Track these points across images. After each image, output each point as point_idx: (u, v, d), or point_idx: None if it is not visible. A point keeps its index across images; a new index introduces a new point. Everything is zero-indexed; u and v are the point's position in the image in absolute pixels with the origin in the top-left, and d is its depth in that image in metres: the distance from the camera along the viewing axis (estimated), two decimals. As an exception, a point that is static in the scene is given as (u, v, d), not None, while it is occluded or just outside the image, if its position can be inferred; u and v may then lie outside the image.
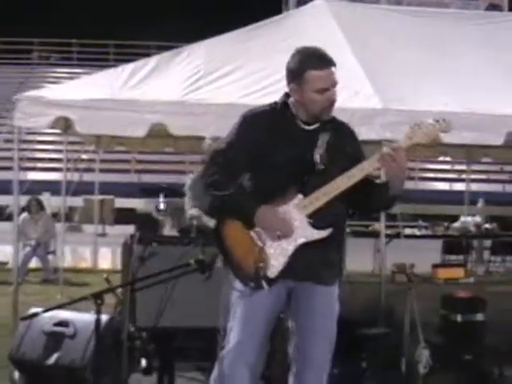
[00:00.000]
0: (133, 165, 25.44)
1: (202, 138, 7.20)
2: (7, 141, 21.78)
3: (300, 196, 3.90)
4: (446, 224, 13.65)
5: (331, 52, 4.02)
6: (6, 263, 12.96)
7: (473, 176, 17.54)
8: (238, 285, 3.98)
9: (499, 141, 7.35)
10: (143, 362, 6.06)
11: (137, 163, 25.35)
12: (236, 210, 3.94)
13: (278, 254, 3.89)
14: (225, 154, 4.00)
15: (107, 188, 16.40)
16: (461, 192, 16.17)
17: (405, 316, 6.50)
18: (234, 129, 4.05)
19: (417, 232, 13.40)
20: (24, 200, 12.54)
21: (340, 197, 3.91)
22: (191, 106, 7.47)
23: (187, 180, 7.50)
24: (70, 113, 7.58)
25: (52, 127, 8.26)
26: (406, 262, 12.20)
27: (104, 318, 5.22)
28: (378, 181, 4.05)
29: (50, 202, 15.90)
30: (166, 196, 7.25)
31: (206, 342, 5.33)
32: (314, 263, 3.95)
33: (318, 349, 4.08)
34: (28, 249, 12.78)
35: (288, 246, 3.90)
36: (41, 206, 13.38)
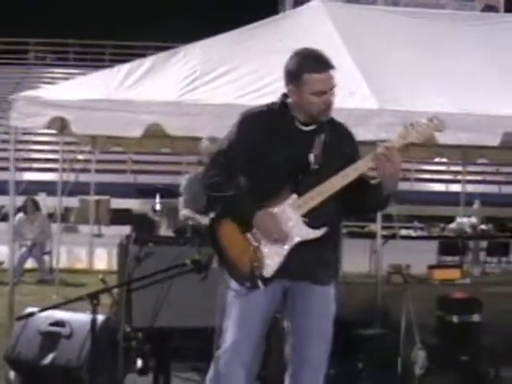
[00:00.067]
0: (129, 165, 25.42)
1: (198, 139, 7.20)
2: (3, 141, 21.75)
3: (294, 196, 3.90)
4: (441, 225, 13.69)
5: (327, 53, 4.02)
6: (1, 263, 12.95)
7: (469, 177, 17.55)
8: (233, 284, 3.98)
9: (495, 141, 7.35)
10: (139, 363, 6.05)
11: (133, 164, 25.33)
12: (236, 212, 3.95)
13: (273, 254, 3.90)
14: (225, 154, 4.01)
15: (103, 188, 16.40)
16: (457, 193, 16.17)
17: (401, 317, 6.50)
18: (233, 129, 4.05)
19: (413, 233, 13.44)
20: (20, 200, 12.53)
21: (335, 197, 3.91)
22: (187, 106, 7.47)
23: (182, 181, 7.51)
24: (66, 113, 7.57)
25: (48, 127, 8.25)
26: (401, 262, 12.21)
27: (100, 318, 5.23)
28: (372, 181, 4.05)
29: (46, 202, 15.88)
30: (162, 197, 7.26)
31: (201, 342, 5.32)
32: (309, 262, 3.96)
33: (314, 349, 4.08)
34: (24, 249, 12.77)
35: (283, 246, 3.90)
36: (37, 207, 13.37)
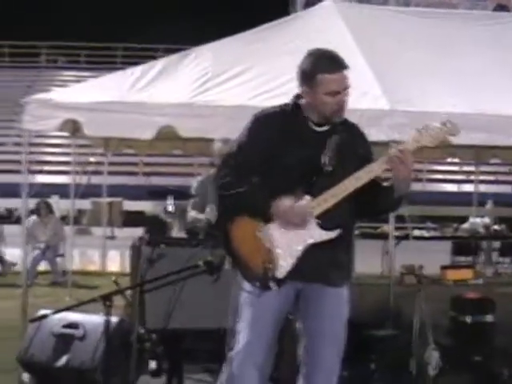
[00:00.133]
0: (141, 167, 25.50)
1: (210, 140, 7.20)
2: (16, 144, 21.82)
3: (308, 197, 3.89)
4: (454, 225, 13.62)
5: (340, 53, 4.01)
6: (14, 265, 13.02)
7: (481, 177, 17.48)
8: (246, 286, 3.97)
9: (508, 141, 7.34)
10: (152, 364, 6.06)
11: (145, 166, 25.41)
12: (251, 205, 3.92)
13: (286, 255, 3.89)
14: (237, 156, 4.00)
15: (115, 191, 16.45)
16: (469, 193, 16.12)
17: (414, 317, 6.49)
18: (246, 130, 4.04)
19: (425, 233, 13.38)
20: (33, 203, 12.56)
21: (348, 199, 3.90)
22: (199, 108, 7.48)
23: (194, 183, 7.51)
24: (78, 115, 7.60)
25: (60, 130, 8.28)
26: (414, 263, 12.15)
27: (113, 319, 5.23)
28: (384, 183, 4.04)
29: (59, 204, 15.96)
30: (174, 198, 7.25)
31: (214, 343, 5.34)
32: (322, 264, 3.94)
33: (327, 351, 4.07)
34: (37, 252, 12.80)
35: (297, 247, 3.89)
36: (49, 209, 13.41)
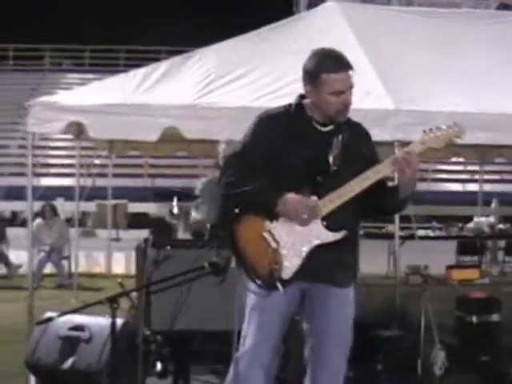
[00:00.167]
0: (146, 169, 25.52)
1: (215, 142, 7.20)
2: (21, 147, 21.87)
3: (314, 198, 3.88)
4: (459, 225, 13.59)
5: (343, 53, 4.01)
6: (19, 266, 13.05)
7: (486, 176, 17.48)
8: (252, 286, 3.97)
9: (513, 140, 7.34)
10: (158, 366, 6.06)
11: (150, 167, 25.43)
12: (258, 202, 3.91)
13: (292, 256, 3.88)
14: (241, 156, 4.00)
15: (120, 193, 16.45)
16: (474, 193, 16.12)
17: (420, 318, 6.48)
18: (250, 130, 4.04)
19: (431, 233, 13.36)
20: (38, 206, 12.59)
21: (353, 200, 3.90)
22: (203, 109, 7.49)
23: (198, 184, 7.51)
24: (83, 118, 7.61)
25: (65, 132, 8.29)
26: (420, 263, 12.15)
27: (119, 321, 5.23)
28: (389, 184, 4.04)
29: (64, 207, 15.97)
30: (179, 200, 7.25)
31: (220, 345, 5.32)
32: (328, 265, 3.94)
33: (333, 351, 4.07)
34: (42, 254, 12.81)
35: (302, 248, 3.89)
36: (54, 212, 13.41)
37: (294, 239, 3.89)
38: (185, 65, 8.37)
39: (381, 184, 3.95)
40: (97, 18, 37.48)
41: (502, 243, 15.32)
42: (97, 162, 14.46)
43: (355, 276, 4.23)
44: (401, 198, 3.97)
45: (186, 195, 7.42)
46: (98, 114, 7.55)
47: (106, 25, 35.58)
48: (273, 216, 3.89)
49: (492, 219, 14.05)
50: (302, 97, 4.04)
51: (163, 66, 8.41)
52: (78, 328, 5.72)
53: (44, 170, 23.47)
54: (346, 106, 3.95)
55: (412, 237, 11.47)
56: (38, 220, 12.93)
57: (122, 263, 14.13)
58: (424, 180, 22.94)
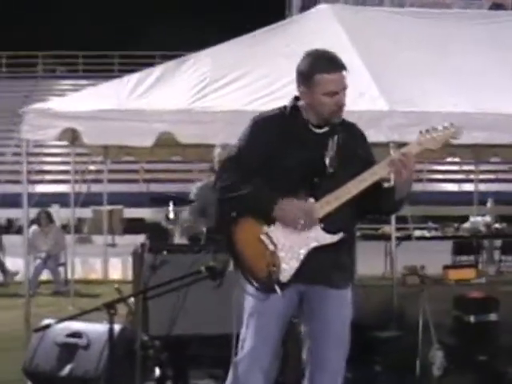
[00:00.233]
0: (141, 174, 25.50)
1: (210, 146, 7.20)
2: (15, 154, 21.85)
3: (312, 200, 3.88)
4: (455, 225, 13.61)
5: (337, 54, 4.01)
6: (16, 274, 13.03)
7: (481, 176, 17.50)
8: (250, 289, 3.96)
9: (510, 140, 7.36)
10: (157, 371, 6.05)
11: (145, 173, 25.41)
12: (255, 205, 3.89)
13: (289, 258, 3.88)
14: (236, 160, 3.99)
15: (116, 198, 16.43)
16: (470, 192, 16.13)
17: (417, 318, 6.48)
18: (245, 133, 4.03)
19: (427, 234, 13.36)
20: (33, 213, 12.57)
21: (349, 201, 3.89)
22: (198, 114, 7.49)
23: (193, 188, 7.51)
24: (77, 124, 7.60)
25: (59, 139, 8.28)
26: (416, 264, 12.18)
27: (117, 327, 5.21)
28: (386, 185, 4.04)
29: (59, 214, 15.96)
30: (175, 205, 7.25)
31: (218, 349, 5.31)
32: (325, 266, 3.93)
33: (331, 353, 4.06)
34: (38, 261, 12.77)
35: (300, 250, 3.88)
36: (50, 219, 13.39)
37: (292, 242, 3.88)
38: (179, 69, 8.38)
39: (377, 185, 3.95)
40: (90, 24, 37.48)
41: (498, 242, 15.33)
42: (92, 167, 14.41)
43: (352, 277, 4.23)
44: (397, 199, 3.97)
45: (181, 200, 7.42)
46: (93, 120, 7.55)
47: (100, 30, 35.59)
48: (270, 219, 3.89)
49: (488, 219, 14.08)
50: (296, 99, 4.04)
51: (157, 71, 8.41)
52: (76, 335, 5.72)
53: (39, 177, 23.41)
54: (340, 106, 3.94)
55: (408, 237, 11.48)
56: (34, 227, 12.90)
57: (118, 269, 14.09)
58: (420, 180, 22.96)
